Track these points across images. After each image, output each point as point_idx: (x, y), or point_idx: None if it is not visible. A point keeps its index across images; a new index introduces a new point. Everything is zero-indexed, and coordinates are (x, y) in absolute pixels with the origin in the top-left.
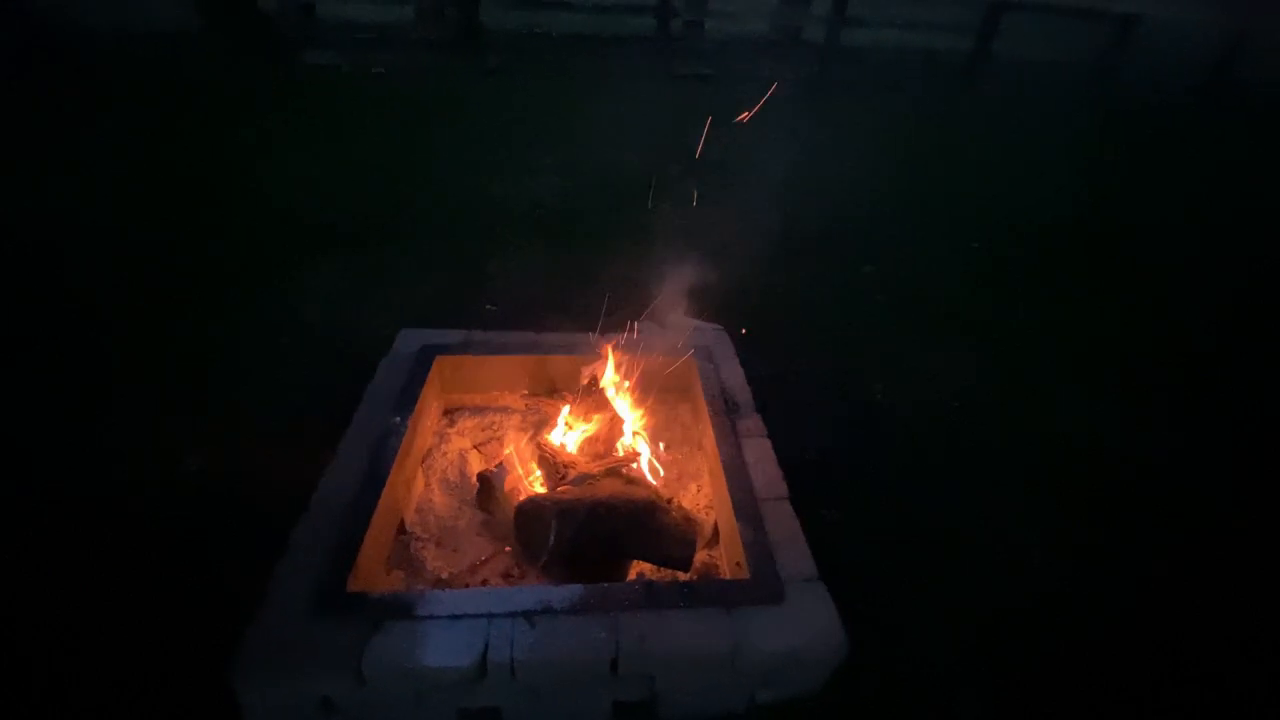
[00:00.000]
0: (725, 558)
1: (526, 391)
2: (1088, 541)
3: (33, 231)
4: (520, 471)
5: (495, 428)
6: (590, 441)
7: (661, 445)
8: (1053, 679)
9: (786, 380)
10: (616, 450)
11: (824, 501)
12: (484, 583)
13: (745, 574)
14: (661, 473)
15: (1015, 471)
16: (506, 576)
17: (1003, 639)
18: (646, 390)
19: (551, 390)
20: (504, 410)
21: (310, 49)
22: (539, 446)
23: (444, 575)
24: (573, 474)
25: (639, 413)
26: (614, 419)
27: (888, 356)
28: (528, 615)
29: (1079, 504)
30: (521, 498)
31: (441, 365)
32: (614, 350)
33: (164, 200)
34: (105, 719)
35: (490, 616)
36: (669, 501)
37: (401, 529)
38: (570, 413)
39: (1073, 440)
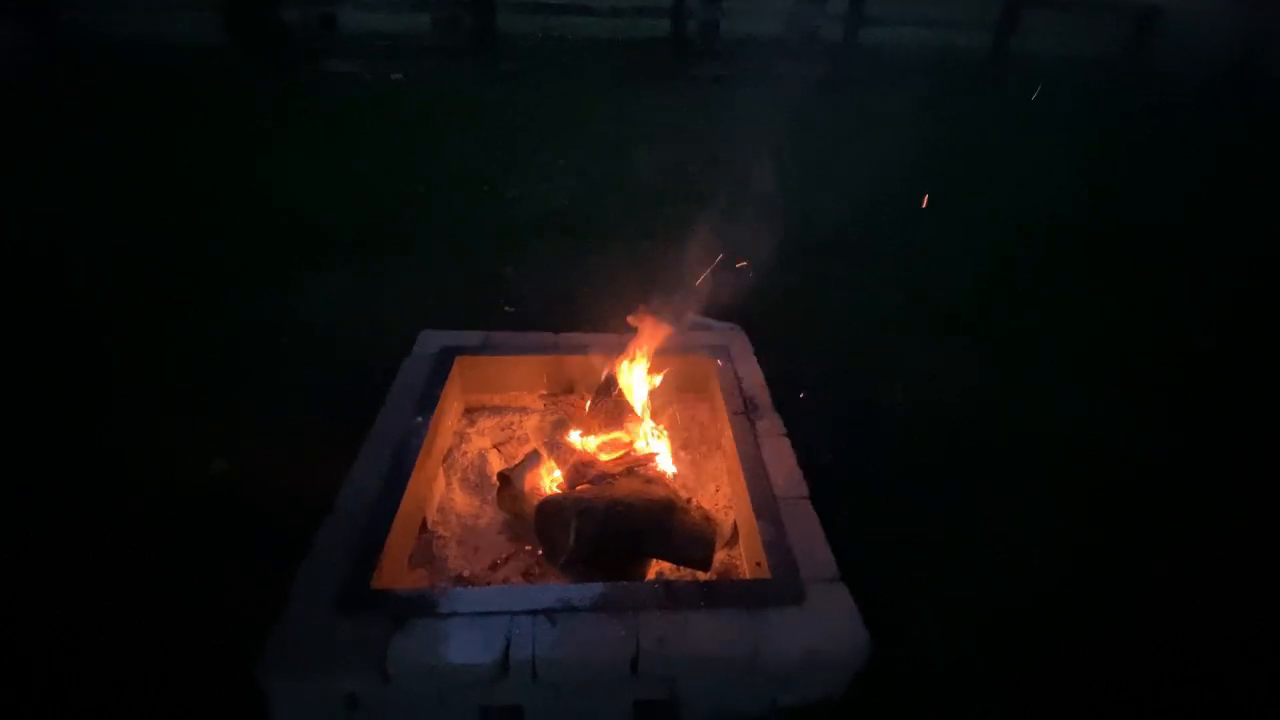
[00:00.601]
0: (745, 557)
1: (545, 391)
2: (1088, 541)
3: (45, 232)
4: (540, 470)
5: (515, 427)
6: (609, 440)
7: (679, 444)
8: (1053, 679)
9: (801, 379)
10: (635, 449)
11: (838, 502)
12: (505, 581)
13: (766, 574)
14: (679, 471)
15: (1015, 471)
16: (527, 575)
17: (1003, 639)
18: (664, 389)
19: (570, 390)
20: (523, 410)
21: (330, 58)
22: (558, 445)
23: (465, 573)
24: (592, 473)
25: (656, 411)
26: (632, 418)
27: (901, 357)
28: (549, 613)
29: (1079, 504)
30: (541, 497)
31: (462, 366)
32: (631, 349)
33: (182, 204)
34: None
35: (512, 614)
36: (688, 501)
37: (423, 527)
38: (588, 412)
39: (1073, 440)
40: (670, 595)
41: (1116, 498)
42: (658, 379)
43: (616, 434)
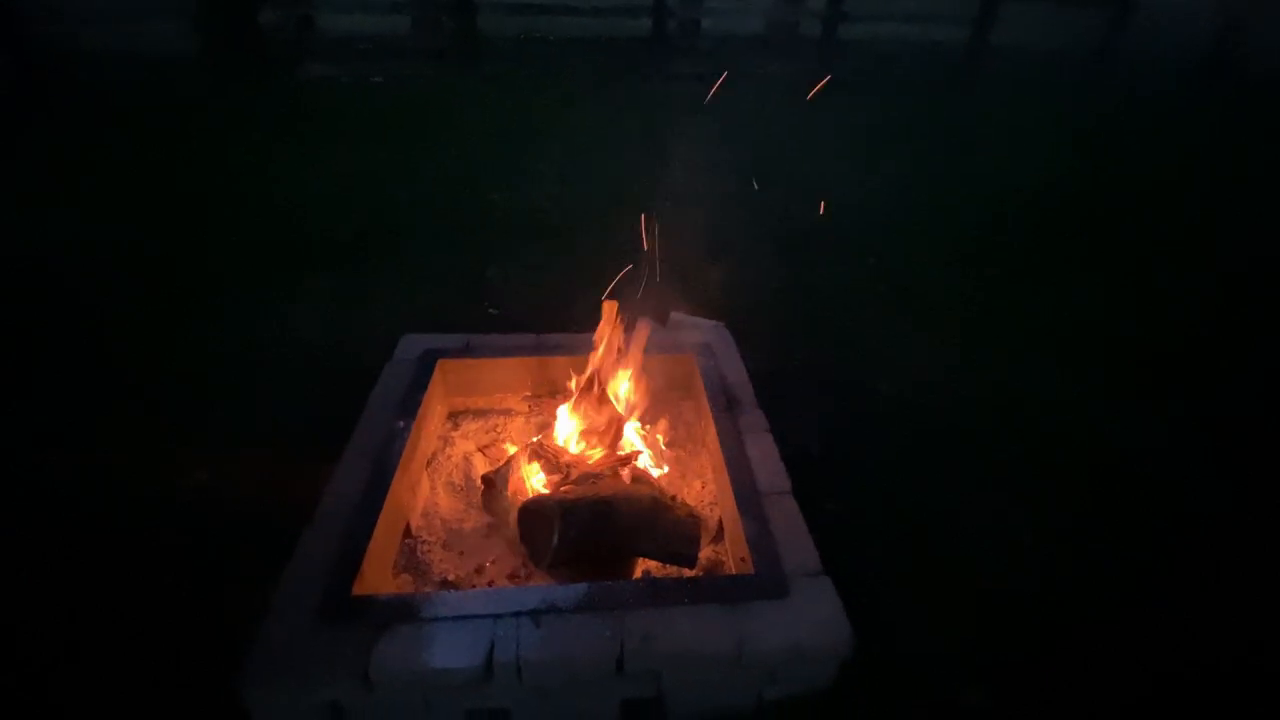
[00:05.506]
0: (730, 553)
1: (529, 393)
2: (1087, 538)
3: (30, 241)
4: (524, 472)
5: (499, 430)
6: (592, 439)
7: (663, 441)
8: (1052, 674)
9: (785, 374)
10: (619, 448)
11: (822, 496)
12: (490, 584)
13: (750, 569)
14: (665, 469)
15: (1013, 467)
16: (513, 577)
17: (1002, 634)
18: (648, 387)
19: (554, 391)
20: (507, 413)
21: (309, 61)
22: (542, 446)
23: (450, 578)
24: (575, 473)
25: (641, 410)
26: (615, 416)
27: (885, 350)
28: (533, 615)
29: (1077, 500)
30: (525, 499)
31: (444, 369)
32: (614, 348)
33: (162, 210)
34: None
35: (496, 617)
36: (673, 498)
37: (408, 533)
38: (571, 411)
39: (1072, 437)
40: (655, 592)
41: (1115, 494)
42: (642, 377)
43: (600, 433)
